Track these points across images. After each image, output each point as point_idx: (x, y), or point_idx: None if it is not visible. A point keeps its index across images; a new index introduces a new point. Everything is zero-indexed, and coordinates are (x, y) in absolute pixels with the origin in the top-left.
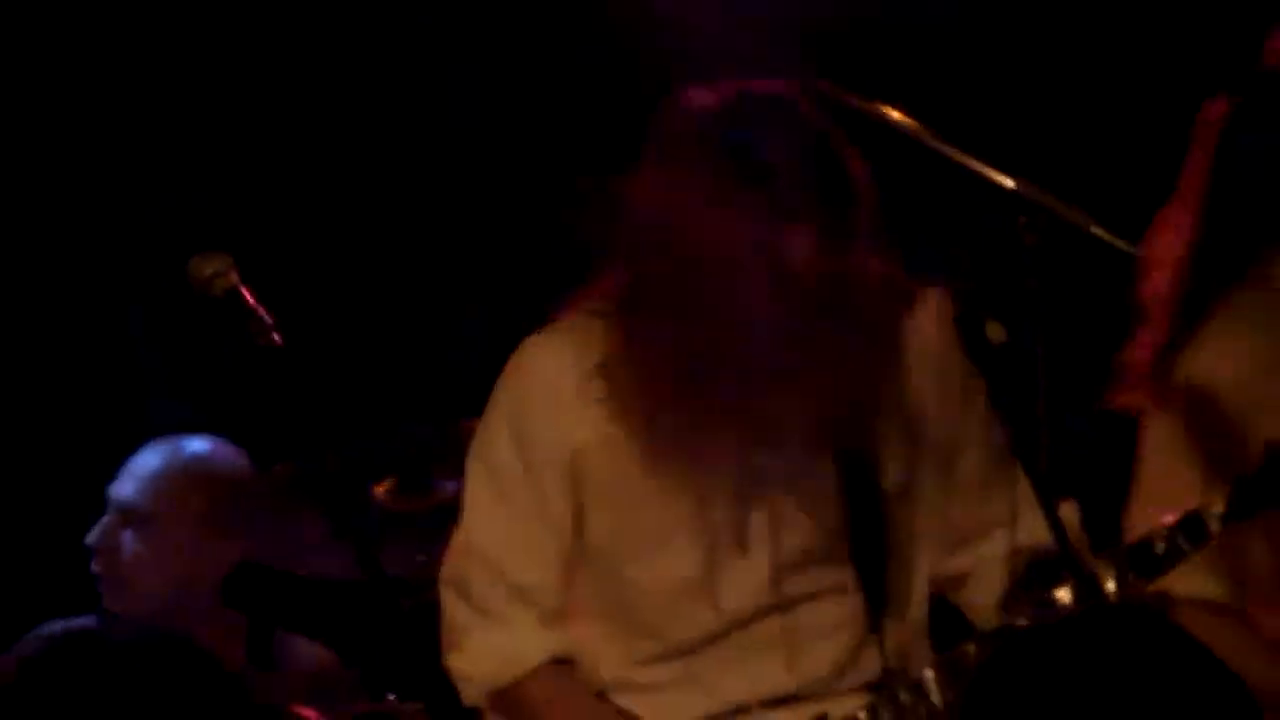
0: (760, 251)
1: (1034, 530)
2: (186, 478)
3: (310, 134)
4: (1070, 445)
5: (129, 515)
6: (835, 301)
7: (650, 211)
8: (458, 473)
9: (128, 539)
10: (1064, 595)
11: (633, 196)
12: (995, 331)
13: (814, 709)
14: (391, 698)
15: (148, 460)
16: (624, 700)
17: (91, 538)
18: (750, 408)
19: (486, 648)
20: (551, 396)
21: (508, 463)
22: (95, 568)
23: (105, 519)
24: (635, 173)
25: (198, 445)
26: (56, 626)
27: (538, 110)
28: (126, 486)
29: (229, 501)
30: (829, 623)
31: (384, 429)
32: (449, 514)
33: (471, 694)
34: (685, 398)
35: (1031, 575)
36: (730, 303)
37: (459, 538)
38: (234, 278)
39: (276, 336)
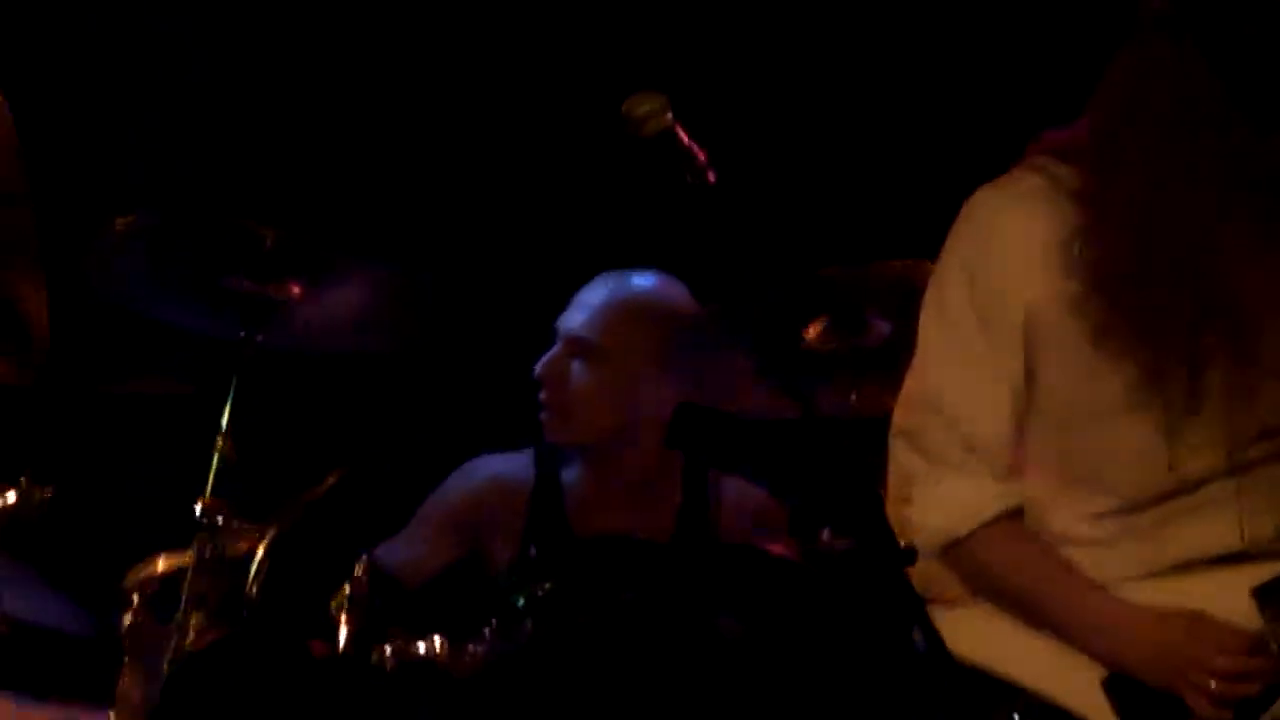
0: (1225, 154)
1: None
2: (636, 309)
3: None
4: None
5: (577, 345)
6: None
7: (1123, 92)
8: (888, 313)
9: (576, 369)
10: None
11: (1113, 68)
12: None
13: (1263, 569)
14: (825, 535)
15: (597, 292)
16: (1069, 553)
17: (540, 368)
18: (1213, 278)
19: (940, 499)
20: (1010, 253)
21: (963, 316)
22: (542, 398)
23: (553, 349)
24: (1122, 50)
25: (646, 279)
26: (495, 461)
27: None
28: (576, 317)
29: (675, 335)
30: None
31: (814, 268)
32: (881, 354)
33: (923, 545)
34: (1152, 266)
35: None
36: (1193, 200)
37: (911, 388)
38: (669, 118)
39: (711, 175)
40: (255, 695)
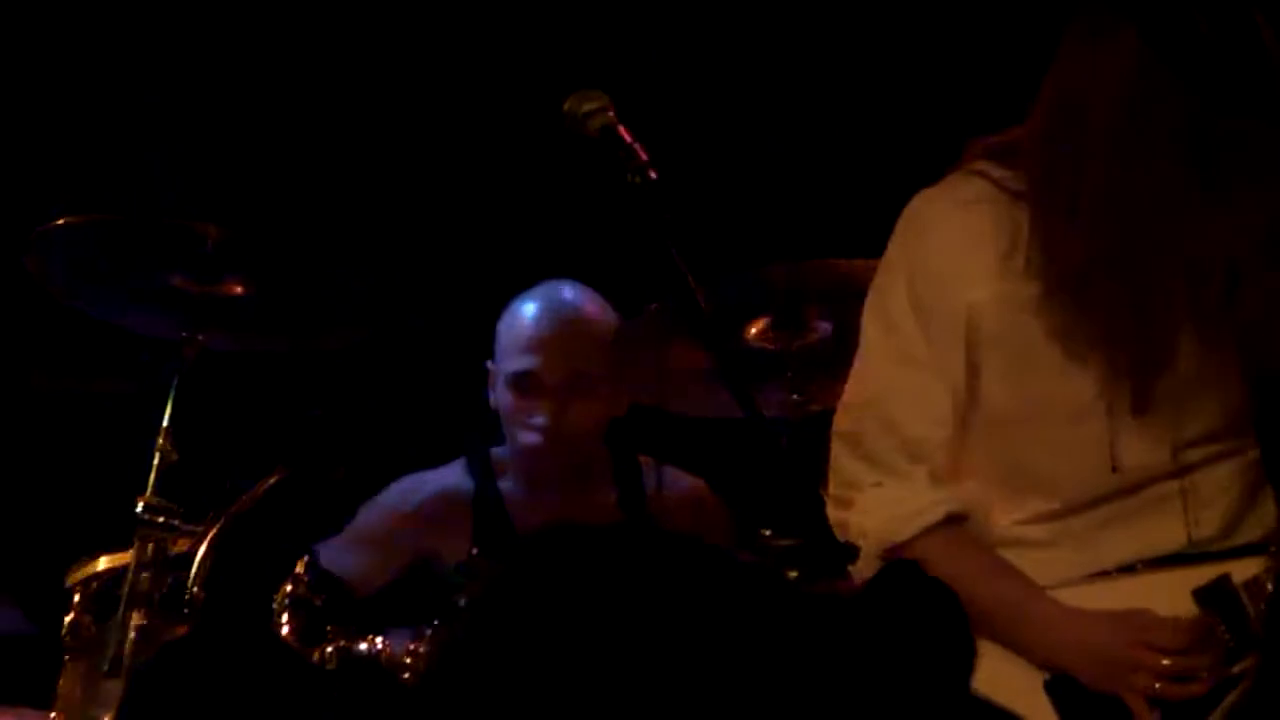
0: (1178, 141)
1: None
2: (600, 329)
3: None
4: None
5: (575, 387)
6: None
7: (1067, 85)
8: (830, 312)
9: (575, 409)
10: None
11: (1055, 68)
12: None
13: (1205, 571)
14: (766, 533)
15: (555, 327)
16: (1011, 556)
17: (549, 432)
18: (1159, 282)
19: (882, 504)
20: (951, 256)
21: (905, 319)
22: (545, 445)
23: (543, 406)
24: (1063, 44)
25: (576, 295)
26: (431, 477)
27: None
28: (555, 362)
29: (619, 341)
30: (1224, 482)
31: (755, 267)
32: (822, 353)
33: (865, 550)
34: (1110, 264)
35: None
36: (1146, 191)
37: (852, 391)
38: (610, 115)
39: (652, 173)
40: (224, 692)
